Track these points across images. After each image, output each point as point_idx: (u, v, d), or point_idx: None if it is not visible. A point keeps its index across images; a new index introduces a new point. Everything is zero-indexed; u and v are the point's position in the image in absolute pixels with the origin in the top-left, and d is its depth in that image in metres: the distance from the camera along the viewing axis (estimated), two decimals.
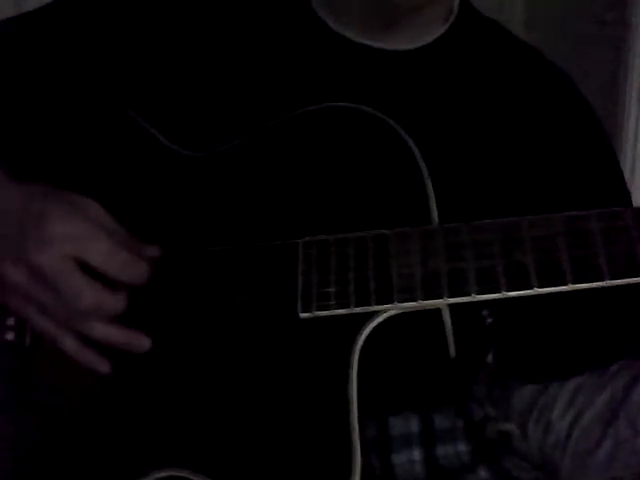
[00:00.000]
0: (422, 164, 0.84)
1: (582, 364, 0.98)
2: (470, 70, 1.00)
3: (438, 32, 1.00)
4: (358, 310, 0.80)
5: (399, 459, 0.96)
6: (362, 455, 0.77)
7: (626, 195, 1.02)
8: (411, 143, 0.85)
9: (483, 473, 0.99)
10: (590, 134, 1.02)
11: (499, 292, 0.78)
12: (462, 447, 0.99)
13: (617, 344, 0.98)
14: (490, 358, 1.02)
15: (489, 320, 0.93)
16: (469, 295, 0.78)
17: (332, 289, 0.81)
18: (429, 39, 0.99)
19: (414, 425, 0.96)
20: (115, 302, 0.84)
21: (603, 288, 0.77)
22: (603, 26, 1.84)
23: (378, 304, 0.80)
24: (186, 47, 0.98)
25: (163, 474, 0.82)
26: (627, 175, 1.70)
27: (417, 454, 0.97)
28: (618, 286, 0.77)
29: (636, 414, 0.92)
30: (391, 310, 0.80)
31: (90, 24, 1.01)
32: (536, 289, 0.77)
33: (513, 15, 1.88)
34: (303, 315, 0.81)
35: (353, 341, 0.80)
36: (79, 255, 0.82)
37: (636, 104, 1.83)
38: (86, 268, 0.83)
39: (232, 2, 1.00)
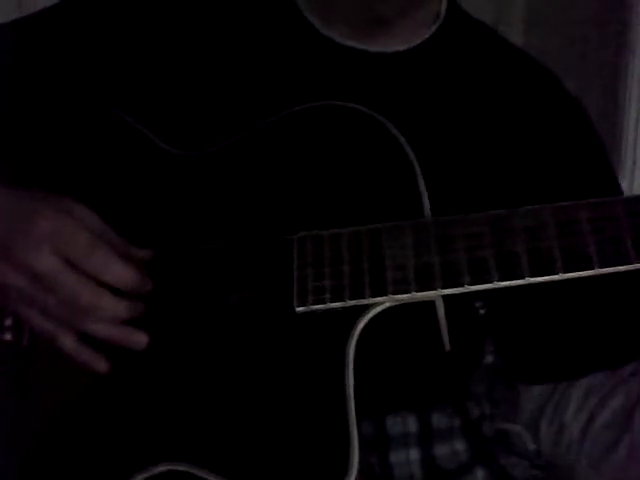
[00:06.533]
0: (414, 161, 0.85)
1: (587, 364, 0.98)
2: (457, 71, 1.00)
3: (425, 34, 1.01)
4: (353, 303, 0.80)
5: (397, 459, 0.96)
6: (360, 449, 0.77)
7: (616, 186, 1.02)
8: (402, 140, 0.85)
9: (480, 472, 0.99)
10: (578, 127, 1.03)
11: (491, 282, 0.79)
12: (459, 446, 0.99)
13: (622, 344, 0.98)
14: (490, 359, 1.02)
15: (482, 312, 0.94)
16: (462, 286, 0.79)
17: (327, 283, 0.81)
18: (416, 41, 1.00)
19: (412, 424, 0.96)
20: (112, 301, 0.84)
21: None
22: (603, 26, 1.84)
23: (372, 296, 0.80)
24: (175, 49, 0.99)
25: (161, 468, 0.83)
26: (627, 175, 1.69)
27: (415, 454, 0.97)
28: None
29: None
30: (385, 303, 0.80)
31: (85, 27, 1.02)
32: (528, 278, 0.78)
33: (513, 15, 1.88)
34: (299, 309, 0.82)
35: (349, 335, 0.80)
36: (61, 252, 0.82)
37: (636, 104, 1.83)
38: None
39: (219, 4, 1.01)
